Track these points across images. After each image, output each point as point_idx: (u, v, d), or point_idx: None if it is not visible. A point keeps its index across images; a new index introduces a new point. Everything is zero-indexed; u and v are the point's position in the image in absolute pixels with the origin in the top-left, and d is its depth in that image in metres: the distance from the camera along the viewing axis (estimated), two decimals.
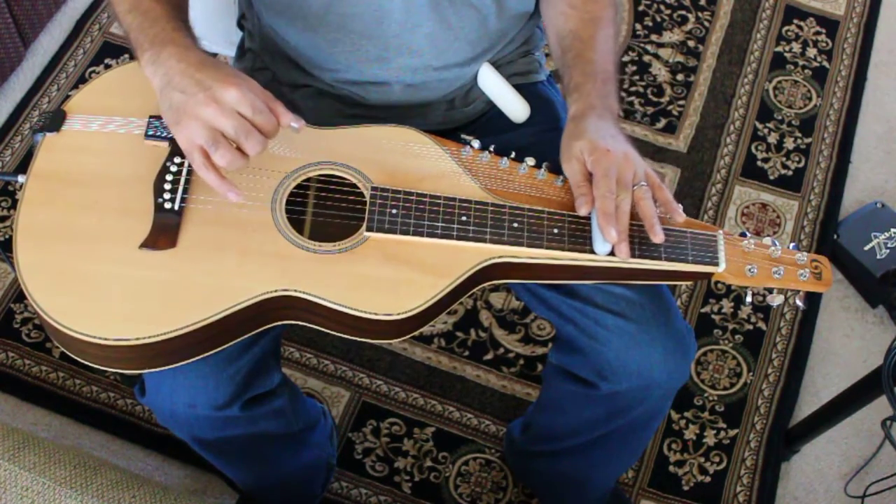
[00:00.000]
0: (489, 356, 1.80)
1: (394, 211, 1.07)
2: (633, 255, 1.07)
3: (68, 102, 1.12)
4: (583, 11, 1.19)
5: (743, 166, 2.07)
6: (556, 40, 1.21)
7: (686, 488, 1.71)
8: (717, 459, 1.74)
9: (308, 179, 1.11)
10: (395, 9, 1.14)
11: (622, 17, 2.27)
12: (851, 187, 2.07)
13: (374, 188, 1.08)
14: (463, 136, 1.15)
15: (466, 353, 1.80)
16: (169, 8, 1.06)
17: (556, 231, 1.07)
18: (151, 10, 1.05)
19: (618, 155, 1.05)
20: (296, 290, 1.02)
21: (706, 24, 2.28)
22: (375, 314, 1.02)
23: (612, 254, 1.06)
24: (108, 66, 2.12)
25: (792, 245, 1.11)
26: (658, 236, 1.05)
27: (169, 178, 1.07)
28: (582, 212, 1.06)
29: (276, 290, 1.02)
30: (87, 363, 1.04)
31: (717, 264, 1.08)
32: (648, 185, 1.06)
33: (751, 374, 1.82)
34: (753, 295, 1.13)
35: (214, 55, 2.02)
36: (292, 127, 1.01)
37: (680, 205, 1.09)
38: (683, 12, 2.29)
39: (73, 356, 1.04)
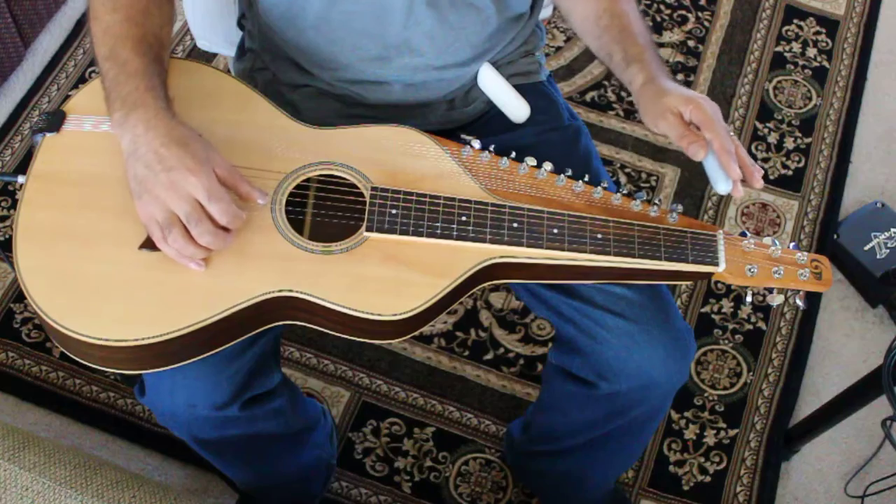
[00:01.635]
0: (489, 356, 1.80)
1: (394, 211, 1.07)
2: (635, 255, 1.07)
3: (68, 103, 1.12)
4: None
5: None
6: (592, 22, 1.20)
7: (686, 488, 1.71)
8: (717, 459, 1.74)
9: (308, 180, 1.11)
10: (395, 7, 1.14)
11: None
12: (851, 187, 2.07)
13: (373, 188, 1.08)
14: (463, 136, 1.15)
15: (466, 352, 1.80)
16: (147, 61, 1.04)
17: (555, 231, 1.07)
18: (129, 63, 1.03)
19: (712, 103, 1.08)
20: (295, 291, 1.02)
21: (706, 24, 2.28)
22: (375, 314, 1.02)
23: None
24: None
25: (792, 245, 1.11)
26: (759, 181, 1.06)
27: None
28: (700, 155, 1.06)
29: (275, 291, 1.02)
30: (86, 363, 1.04)
31: (717, 264, 1.08)
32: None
33: (751, 373, 1.82)
34: (753, 295, 1.13)
35: (214, 55, 2.03)
36: (258, 203, 1.03)
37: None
38: (683, 12, 2.29)
39: (72, 356, 1.04)
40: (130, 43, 1.05)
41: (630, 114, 2.12)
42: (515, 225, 1.07)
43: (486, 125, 1.29)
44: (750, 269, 1.08)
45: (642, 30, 1.18)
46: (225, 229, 1.00)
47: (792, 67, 2.23)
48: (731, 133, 1.07)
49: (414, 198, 1.08)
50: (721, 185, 1.07)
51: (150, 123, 0.99)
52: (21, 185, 1.07)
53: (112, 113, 1.03)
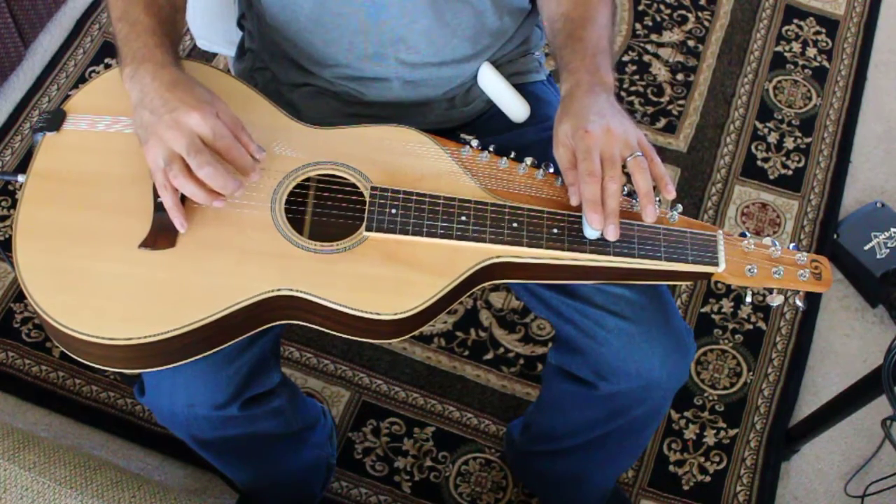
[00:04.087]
0: (489, 356, 1.80)
1: (393, 211, 1.07)
2: (634, 255, 1.07)
3: (68, 102, 1.12)
4: None
5: (743, 166, 2.07)
6: (549, 24, 1.19)
7: (686, 488, 1.71)
8: (717, 459, 1.74)
9: (308, 179, 1.11)
10: (390, 5, 1.14)
11: (622, 16, 2.27)
12: (851, 187, 2.07)
13: (373, 188, 1.08)
14: (462, 135, 1.15)
15: (466, 352, 1.80)
16: (157, 21, 1.06)
17: (555, 231, 1.07)
18: (139, 22, 1.05)
19: (596, 133, 1.01)
20: (295, 290, 1.02)
21: (706, 23, 2.28)
22: (375, 314, 1.02)
23: (602, 239, 1.05)
24: (107, 66, 2.13)
25: (792, 245, 1.11)
26: (650, 217, 1.02)
27: None
28: (572, 202, 1.04)
29: (275, 290, 1.02)
30: (86, 363, 1.04)
31: (716, 264, 1.08)
32: (644, 156, 1.02)
33: (751, 373, 1.82)
34: (753, 295, 1.13)
35: (214, 55, 2.03)
36: (254, 157, 1.02)
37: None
38: (683, 12, 2.29)
39: (72, 356, 1.04)
40: (142, 4, 1.07)
41: (629, 114, 2.12)
42: (515, 225, 1.07)
43: (486, 124, 1.29)
44: (750, 270, 1.08)
45: (593, 36, 1.12)
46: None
47: (792, 67, 2.23)
48: (631, 159, 1.00)
49: (414, 197, 1.08)
50: (586, 229, 1.05)
51: (157, 73, 1.01)
52: (21, 185, 1.07)
53: (123, 68, 1.04)
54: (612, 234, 1.02)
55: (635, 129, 1.05)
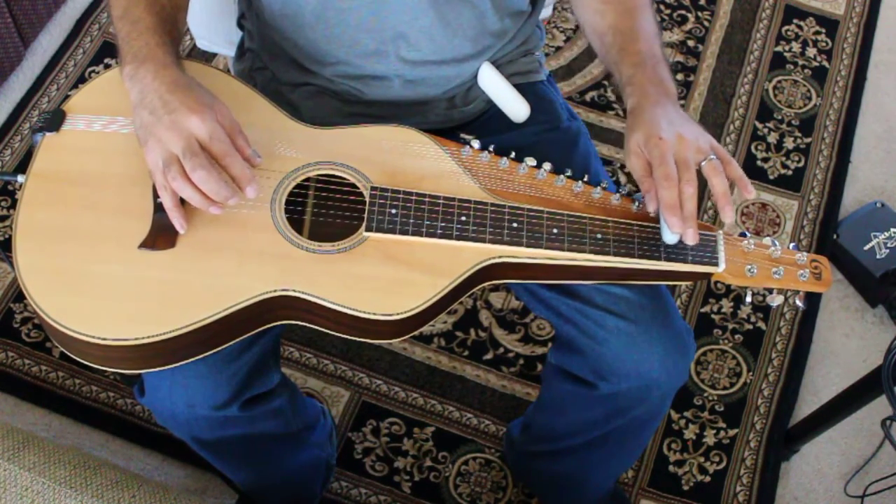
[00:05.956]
0: (489, 356, 1.80)
1: (393, 211, 1.07)
2: (634, 255, 1.07)
3: (68, 102, 1.12)
4: (617, 4, 1.18)
5: (743, 166, 2.07)
6: (597, 38, 1.20)
7: (686, 488, 1.71)
8: (716, 459, 1.74)
9: (307, 179, 1.11)
10: (392, 2, 1.14)
11: None
12: (851, 187, 2.07)
13: (373, 188, 1.08)
14: (462, 135, 1.15)
15: (466, 352, 1.80)
16: (158, 20, 1.06)
17: (555, 231, 1.07)
18: (140, 21, 1.05)
19: (670, 140, 1.03)
20: (295, 291, 1.02)
21: (706, 23, 2.28)
22: (375, 314, 1.02)
23: (680, 243, 1.06)
24: (107, 66, 2.12)
25: (792, 245, 1.11)
26: (728, 217, 1.03)
27: None
28: (650, 209, 1.05)
29: (275, 291, 1.02)
30: (86, 363, 1.04)
31: (716, 264, 1.08)
32: (718, 159, 1.04)
33: (750, 373, 1.82)
34: (753, 295, 1.13)
35: (214, 55, 2.03)
36: (251, 162, 1.02)
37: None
38: (683, 12, 2.29)
39: (72, 356, 1.04)
40: (143, 3, 1.07)
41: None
42: (515, 225, 1.07)
43: (486, 124, 1.29)
44: (749, 270, 1.08)
45: (648, 46, 1.14)
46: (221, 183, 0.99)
47: (792, 67, 2.23)
48: (706, 163, 1.03)
49: (414, 198, 1.08)
50: (665, 234, 1.06)
51: (158, 73, 1.01)
52: (21, 185, 1.07)
53: (123, 67, 1.04)
54: (691, 238, 1.03)
55: (706, 134, 1.07)
